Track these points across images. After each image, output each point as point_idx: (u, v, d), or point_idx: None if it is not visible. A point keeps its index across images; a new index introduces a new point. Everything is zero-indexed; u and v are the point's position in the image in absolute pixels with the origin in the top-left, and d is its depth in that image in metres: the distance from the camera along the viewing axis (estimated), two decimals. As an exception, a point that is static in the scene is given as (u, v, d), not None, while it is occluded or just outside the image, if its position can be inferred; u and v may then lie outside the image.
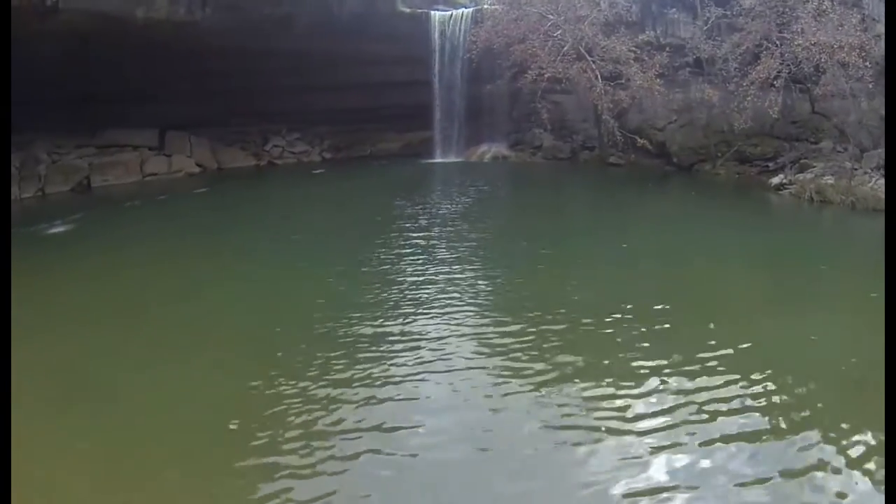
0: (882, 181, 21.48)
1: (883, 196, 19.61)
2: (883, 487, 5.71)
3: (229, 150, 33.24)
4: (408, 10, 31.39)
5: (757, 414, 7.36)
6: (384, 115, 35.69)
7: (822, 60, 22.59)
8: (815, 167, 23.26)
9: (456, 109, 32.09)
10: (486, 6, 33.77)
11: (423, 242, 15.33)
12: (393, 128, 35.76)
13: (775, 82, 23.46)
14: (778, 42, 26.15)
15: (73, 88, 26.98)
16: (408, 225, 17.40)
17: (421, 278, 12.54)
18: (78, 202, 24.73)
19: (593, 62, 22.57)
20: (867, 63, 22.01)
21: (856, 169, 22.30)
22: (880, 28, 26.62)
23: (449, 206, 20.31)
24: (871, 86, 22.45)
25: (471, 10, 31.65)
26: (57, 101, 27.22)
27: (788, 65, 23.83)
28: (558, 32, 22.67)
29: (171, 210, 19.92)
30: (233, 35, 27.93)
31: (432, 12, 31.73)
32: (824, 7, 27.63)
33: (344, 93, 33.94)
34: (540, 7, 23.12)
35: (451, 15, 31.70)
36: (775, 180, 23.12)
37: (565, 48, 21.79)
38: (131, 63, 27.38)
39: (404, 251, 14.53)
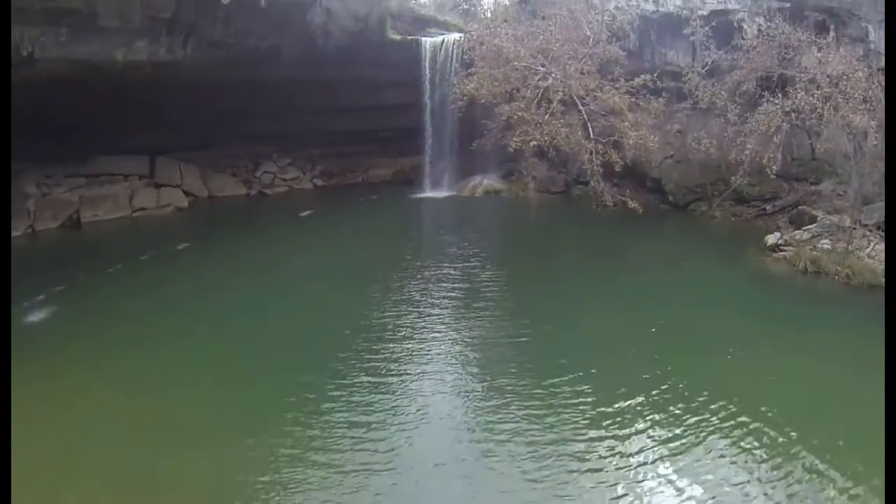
0: (880, 246, 20.78)
1: (879, 269, 19.06)
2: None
3: (220, 176, 33.08)
4: (398, 38, 30.59)
5: None
6: (376, 139, 35.23)
7: (825, 112, 21.58)
8: (811, 227, 22.41)
9: (447, 137, 31.40)
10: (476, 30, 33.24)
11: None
12: (385, 151, 35.30)
13: (775, 137, 22.50)
14: (778, 85, 25.20)
15: (60, 116, 26.67)
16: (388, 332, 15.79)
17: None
18: (66, 248, 24.72)
19: (585, 113, 21.62)
20: (873, 121, 20.99)
21: (854, 227, 21.48)
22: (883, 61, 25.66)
23: (437, 277, 19.52)
24: (875, 143, 21.45)
25: (462, 36, 30.68)
26: (45, 128, 26.89)
27: (789, 112, 22.81)
28: (548, 82, 21.68)
29: (149, 278, 19.63)
30: (218, 69, 27.48)
31: (423, 39, 30.88)
32: (828, 41, 26.91)
33: (335, 115, 33.51)
34: (529, 59, 22.02)
35: (443, 41, 30.81)
36: (771, 239, 22.29)
37: (554, 104, 20.82)
38: (115, 96, 26.97)
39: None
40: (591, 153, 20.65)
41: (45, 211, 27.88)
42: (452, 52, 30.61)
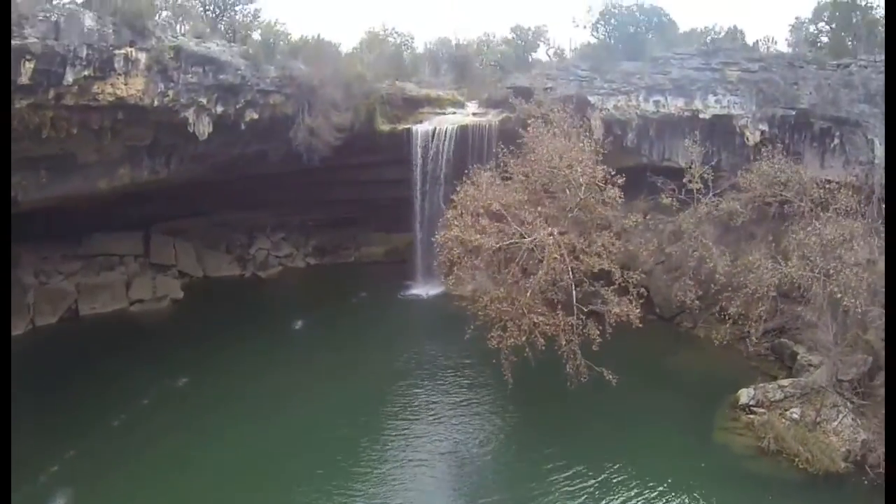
0: (847, 420, 20.62)
1: (840, 452, 19.06)
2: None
3: (215, 254, 33.59)
4: (387, 129, 29.97)
5: None
6: (369, 213, 35.04)
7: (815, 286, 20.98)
8: (786, 385, 22.06)
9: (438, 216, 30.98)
10: (472, 114, 32.21)
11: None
12: (378, 224, 35.09)
13: (761, 304, 21.92)
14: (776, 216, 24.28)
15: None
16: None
17: None
18: (63, 355, 25.03)
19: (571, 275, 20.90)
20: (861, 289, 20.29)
21: (827, 389, 21.18)
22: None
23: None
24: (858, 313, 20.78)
25: (455, 126, 29.88)
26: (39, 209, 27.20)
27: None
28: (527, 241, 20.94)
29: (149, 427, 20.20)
30: (204, 175, 27.55)
31: (414, 128, 30.14)
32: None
33: (329, 188, 33.37)
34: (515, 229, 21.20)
35: (435, 129, 30.04)
36: (744, 396, 21.99)
37: (539, 278, 20.13)
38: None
39: None
40: (569, 335, 20.16)
41: (44, 304, 28.57)
42: (445, 140, 29.89)
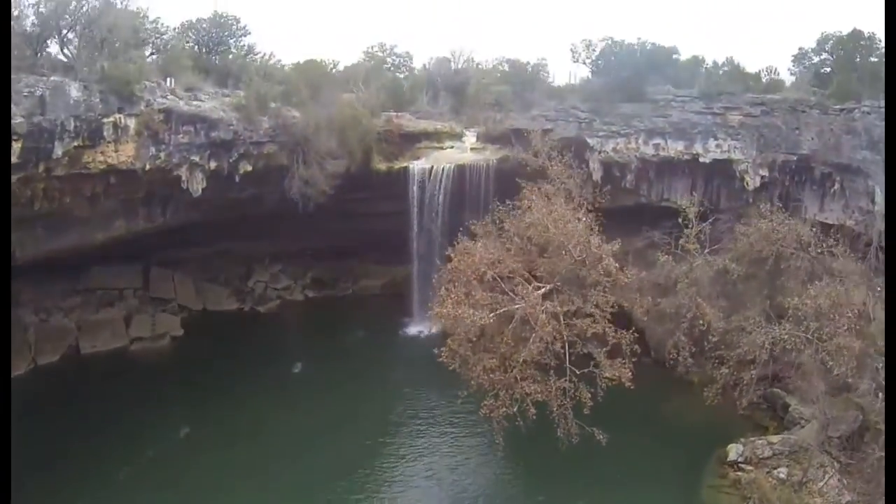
0: (833, 481, 20.53)
1: None
2: None
3: (213, 287, 33.70)
4: (384, 168, 29.71)
5: None
6: (367, 243, 34.86)
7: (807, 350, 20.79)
8: (775, 442, 21.93)
9: (435, 252, 30.84)
10: (470, 149, 31.86)
11: None
12: (376, 256, 34.94)
13: (752, 369, 21.71)
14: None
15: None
16: None
17: None
18: (65, 399, 25.19)
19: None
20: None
21: (814, 448, 21.08)
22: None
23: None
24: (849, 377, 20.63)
25: (452, 166, 29.58)
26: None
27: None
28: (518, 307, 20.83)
29: (136, 475, 20.19)
30: (201, 217, 27.50)
31: (411, 167, 29.85)
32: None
33: (326, 221, 33.19)
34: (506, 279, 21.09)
35: (432, 169, 29.73)
36: (732, 453, 21.94)
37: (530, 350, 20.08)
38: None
39: None
40: (560, 399, 20.10)
41: (45, 343, 28.69)
42: (442, 180, 29.63)
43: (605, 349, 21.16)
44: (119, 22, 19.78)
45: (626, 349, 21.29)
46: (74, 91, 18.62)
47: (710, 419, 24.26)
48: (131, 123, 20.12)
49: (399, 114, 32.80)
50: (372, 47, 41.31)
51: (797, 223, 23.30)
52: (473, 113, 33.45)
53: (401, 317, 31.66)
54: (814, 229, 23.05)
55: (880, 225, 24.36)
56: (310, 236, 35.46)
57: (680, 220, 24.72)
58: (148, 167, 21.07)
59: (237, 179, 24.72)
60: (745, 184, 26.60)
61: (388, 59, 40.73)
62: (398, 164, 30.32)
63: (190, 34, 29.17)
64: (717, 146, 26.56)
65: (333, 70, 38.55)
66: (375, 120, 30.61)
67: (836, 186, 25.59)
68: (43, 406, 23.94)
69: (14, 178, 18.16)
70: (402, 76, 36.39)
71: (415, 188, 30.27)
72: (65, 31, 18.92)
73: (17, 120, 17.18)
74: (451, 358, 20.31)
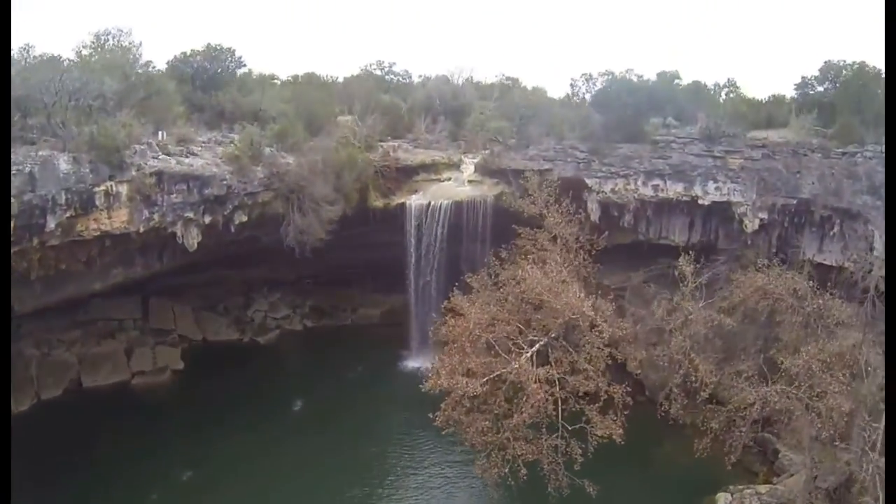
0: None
1: None
2: None
3: (213, 316, 33.82)
4: (381, 204, 29.55)
5: None
6: (365, 271, 34.79)
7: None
8: (762, 492, 21.98)
9: (431, 292, 30.89)
10: (467, 181, 31.54)
11: None
12: (376, 284, 34.90)
13: (741, 427, 21.68)
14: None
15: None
16: None
17: None
18: (68, 437, 25.19)
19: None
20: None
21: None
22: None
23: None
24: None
25: (450, 202, 29.36)
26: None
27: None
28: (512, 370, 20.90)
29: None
30: (198, 258, 27.47)
31: (408, 203, 29.65)
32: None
33: (324, 254, 33.12)
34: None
35: (430, 205, 29.51)
36: (721, 502, 22.14)
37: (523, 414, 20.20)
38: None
39: None
40: (551, 457, 20.26)
41: (48, 377, 28.86)
42: (439, 215, 29.44)
43: (597, 405, 21.41)
44: (105, 89, 19.48)
45: (619, 402, 21.51)
46: (63, 163, 18.50)
47: (700, 464, 24.10)
48: (123, 189, 20.01)
49: (397, 144, 32.60)
50: (370, 65, 41.04)
51: (793, 275, 23.08)
52: (472, 139, 33.28)
53: (399, 349, 31.82)
54: (810, 282, 22.82)
55: (878, 271, 24.21)
56: (308, 265, 35.33)
57: (676, 273, 24.52)
58: (142, 230, 21.00)
59: (233, 229, 24.61)
60: (743, 226, 26.32)
61: (387, 77, 40.38)
62: (395, 201, 30.21)
63: (182, 68, 28.81)
64: (717, 189, 26.18)
65: (332, 82, 38.50)
66: (372, 154, 30.45)
67: (836, 229, 25.27)
68: (47, 445, 24.08)
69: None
70: (400, 99, 35.82)
71: (412, 224, 30.18)
72: (51, 102, 18.63)
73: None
74: (446, 423, 20.54)
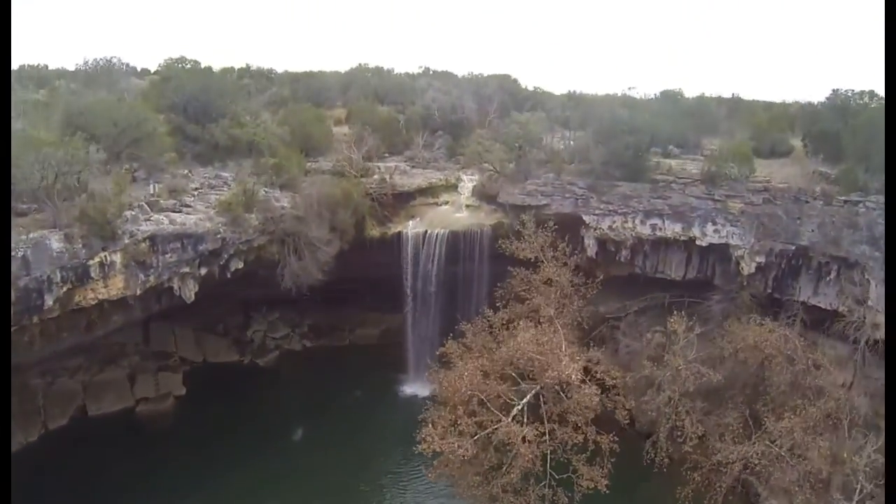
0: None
1: None
2: None
3: (212, 338, 34.12)
4: (377, 234, 29.41)
5: None
6: (362, 287, 34.77)
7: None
8: None
9: (429, 318, 31.15)
10: (465, 206, 31.16)
11: None
12: (373, 301, 34.98)
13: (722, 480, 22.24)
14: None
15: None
16: None
17: None
18: (76, 469, 25.58)
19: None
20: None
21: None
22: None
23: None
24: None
25: (447, 231, 29.21)
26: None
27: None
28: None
29: None
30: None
31: (404, 232, 29.51)
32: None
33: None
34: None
35: (426, 234, 29.38)
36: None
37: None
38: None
39: None
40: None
41: (54, 407, 29.22)
42: (436, 245, 29.36)
43: (584, 455, 22.00)
44: (91, 158, 19.17)
45: (606, 450, 22.10)
46: (55, 242, 18.38)
47: (685, 494, 24.72)
48: (117, 258, 19.91)
49: (393, 165, 32.10)
50: (365, 64, 40.03)
51: (785, 333, 23.22)
52: (470, 160, 32.75)
53: (397, 373, 32.19)
54: (802, 339, 22.98)
55: (872, 319, 24.32)
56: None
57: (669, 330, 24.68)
58: (139, 292, 21.01)
59: (229, 276, 24.62)
60: (740, 268, 26.27)
61: (385, 78, 39.46)
62: (392, 230, 30.08)
63: (174, 100, 28.08)
64: (716, 231, 26.02)
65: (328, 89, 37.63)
66: (367, 179, 30.07)
67: (832, 275, 25.32)
68: (56, 477, 24.69)
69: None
70: (397, 112, 35.05)
71: (408, 253, 30.16)
72: (37, 186, 18.33)
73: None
74: (438, 478, 21.21)
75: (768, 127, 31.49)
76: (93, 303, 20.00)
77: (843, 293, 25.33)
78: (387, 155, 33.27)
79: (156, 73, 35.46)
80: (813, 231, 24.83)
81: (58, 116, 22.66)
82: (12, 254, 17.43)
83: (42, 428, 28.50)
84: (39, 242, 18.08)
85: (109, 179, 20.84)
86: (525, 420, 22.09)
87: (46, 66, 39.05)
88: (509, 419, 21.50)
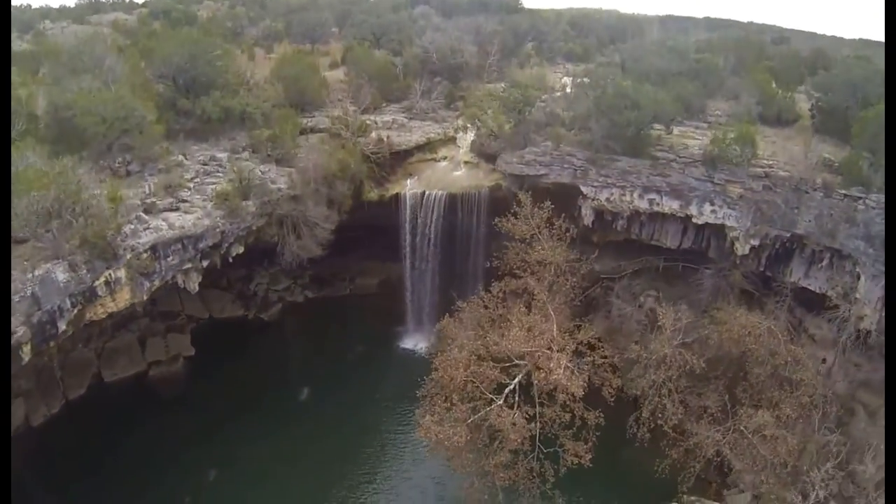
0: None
1: None
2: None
3: (217, 293, 34.63)
4: (376, 197, 29.34)
5: None
6: (362, 235, 34.98)
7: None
8: None
9: (428, 280, 31.98)
10: (463, 162, 30.24)
11: None
12: (372, 250, 35.36)
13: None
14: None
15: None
16: None
17: None
18: (96, 438, 26.69)
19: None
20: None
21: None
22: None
23: None
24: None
25: (444, 193, 29.10)
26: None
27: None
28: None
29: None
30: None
31: (404, 193, 29.48)
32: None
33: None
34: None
35: (424, 194, 29.28)
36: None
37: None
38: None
39: None
40: (528, 480, 23.12)
41: (71, 378, 29.80)
42: (434, 205, 29.39)
43: (571, 430, 23.87)
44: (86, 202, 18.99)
45: (592, 424, 24.13)
46: (61, 274, 18.67)
47: (663, 468, 25.48)
48: (122, 273, 20.28)
49: (391, 119, 30.93)
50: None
51: (770, 325, 24.07)
52: (469, 118, 31.28)
53: (396, 325, 33.55)
54: (788, 335, 23.90)
55: (858, 311, 24.90)
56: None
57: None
58: (146, 298, 21.73)
59: (230, 260, 25.14)
60: (734, 248, 26.60)
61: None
62: (390, 191, 29.93)
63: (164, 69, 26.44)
64: (713, 212, 26.02)
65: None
66: (365, 141, 29.20)
67: (825, 262, 25.81)
68: (78, 450, 25.88)
69: (28, 357, 19.18)
70: (394, 56, 32.96)
71: (407, 213, 30.40)
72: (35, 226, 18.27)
73: (20, 331, 17.70)
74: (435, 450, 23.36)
75: (778, 75, 29.79)
76: (103, 316, 20.79)
77: (833, 279, 25.83)
78: (384, 104, 31.94)
79: (144, 5, 32.66)
80: (810, 222, 24.78)
81: (44, 116, 21.74)
82: (21, 295, 17.96)
83: (63, 398, 29.12)
84: (45, 277, 18.39)
85: (102, 187, 20.62)
86: (516, 399, 23.81)
87: (30, 6, 35.91)
88: (501, 400, 23.16)
